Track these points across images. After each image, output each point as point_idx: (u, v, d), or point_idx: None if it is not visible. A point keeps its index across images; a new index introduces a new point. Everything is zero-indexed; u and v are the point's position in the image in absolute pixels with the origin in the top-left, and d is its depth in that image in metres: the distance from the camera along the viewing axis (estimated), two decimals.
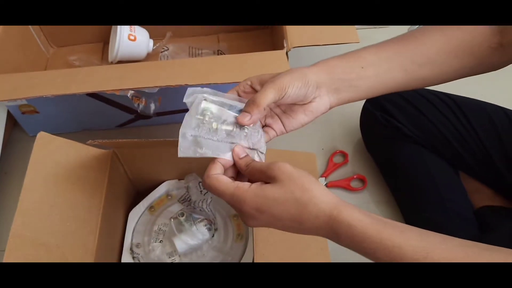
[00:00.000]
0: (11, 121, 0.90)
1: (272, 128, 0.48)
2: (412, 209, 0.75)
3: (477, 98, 0.75)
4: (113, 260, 0.67)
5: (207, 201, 0.70)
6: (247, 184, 0.40)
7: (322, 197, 0.37)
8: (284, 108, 0.49)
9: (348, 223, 0.36)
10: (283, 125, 0.49)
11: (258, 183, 0.39)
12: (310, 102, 0.48)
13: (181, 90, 0.82)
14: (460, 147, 0.71)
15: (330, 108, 0.49)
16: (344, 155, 0.88)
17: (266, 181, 0.39)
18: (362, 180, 0.85)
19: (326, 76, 0.48)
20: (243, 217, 0.41)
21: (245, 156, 0.43)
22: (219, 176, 0.41)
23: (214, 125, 0.44)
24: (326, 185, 0.85)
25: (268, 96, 0.43)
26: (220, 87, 0.71)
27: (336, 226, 0.37)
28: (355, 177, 0.85)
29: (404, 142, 0.75)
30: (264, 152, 0.46)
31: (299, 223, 0.38)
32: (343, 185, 0.84)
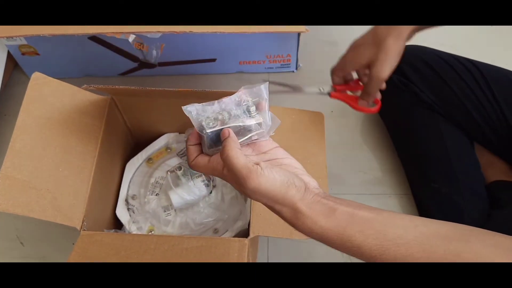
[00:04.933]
0: (12, 63, 0.87)
1: None
2: (421, 179, 0.72)
3: (504, 67, 0.70)
4: (107, 210, 0.66)
5: None
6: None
7: (274, 189, 0.36)
8: None
9: (300, 212, 0.36)
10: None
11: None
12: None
13: (185, 39, 0.79)
14: (480, 118, 0.67)
15: None
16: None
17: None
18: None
19: None
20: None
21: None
22: (196, 157, 0.41)
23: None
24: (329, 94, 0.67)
25: None
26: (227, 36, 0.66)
27: (292, 214, 0.37)
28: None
29: (420, 108, 0.71)
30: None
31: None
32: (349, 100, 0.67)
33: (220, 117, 0.40)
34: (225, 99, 0.40)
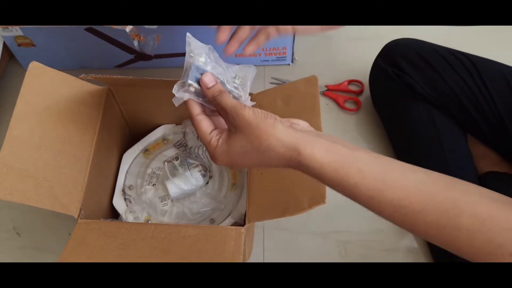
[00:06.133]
0: (8, 54, 0.87)
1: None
2: None
3: (497, 60, 0.71)
4: (104, 200, 0.66)
5: (203, 147, 0.68)
6: (215, 140, 0.41)
7: (279, 143, 0.38)
8: None
9: (306, 164, 0.37)
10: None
11: (224, 137, 0.41)
12: None
13: (181, 30, 0.79)
14: (473, 109, 0.68)
15: None
16: (360, 84, 0.88)
17: (230, 128, 0.41)
18: (356, 103, 0.86)
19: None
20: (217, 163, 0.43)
21: (213, 85, 0.43)
22: (201, 119, 0.43)
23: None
24: (323, 93, 0.87)
25: None
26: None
27: (295, 167, 0.38)
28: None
29: (415, 100, 0.72)
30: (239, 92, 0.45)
31: (267, 165, 0.40)
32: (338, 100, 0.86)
33: (212, 64, 0.43)
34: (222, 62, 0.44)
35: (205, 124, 0.43)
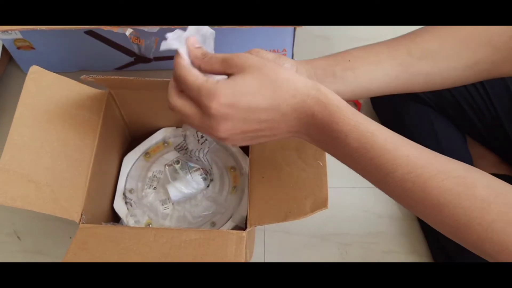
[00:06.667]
0: (6, 57, 0.87)
1: None
2: None
3: None
4: (105, 204, 0.66)
5: (204, 150, 0.68)
6: (215, 77, 0.34)
7: (299, 77, 0.34)
8: None
9: (326, 101, 0.34)
10: None
11: (225, 80, 0.34)
12: None
13: None
14: (470, 110, 0.68)
15: None
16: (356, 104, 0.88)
17: (230, 73, 0.35)
18: (355, 104, 0.84)
19: (306, 65, 0.43)
20: (212, 123, 0.34)
21: (199, 48, 0.37)
22: (188, 66, 0.36)
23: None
24: None
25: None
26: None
27: (312, 105, 0.34)
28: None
29: (413, 102, 0.72)
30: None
31: (275, 110, 0.34)
32: None
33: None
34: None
35: (195, 71, 0.35)
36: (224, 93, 0.33)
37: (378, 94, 0.45)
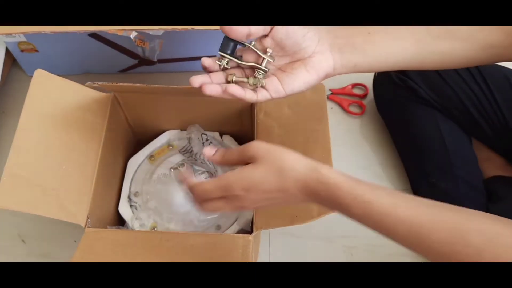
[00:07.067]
0: (10, 59, 0.87)
1: (265, 88, 0.45)
2: (419, 173, 0.73)
3: (501, 64, 0.71)
4: (110, 207, 0.66)
5: None
6: (229, 172, 0.41)
7: (299, 163, 0.39)
8: (284, 65, 0.45)
9: (326, 181, 0.38)
10: (281, 84, 0.45)
11: (239, 167, 0.41)
12: (311, 57, 0.44)
13: (185, 36, 0.79)
14: (477, 113, 0.68)
15: (335, 70, 0.46)
16: (364, 88, 0.88)
17: (246, 163, 0.41)
18: (360, 106, 0.86)
19: (327, 34, 0.45)
20: (234, 203, 0.41)
21: (216, 151, 0.44)
22: (200, 182, 0.43)
23: None
24: (327, 96, 0.87)
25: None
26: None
27: (314, 186, 0.39)
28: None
29: (418, 104, 0.72)
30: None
31: (284, 192, 0.40)
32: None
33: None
34: None
35: (204, 181, 0.43)
36: (239, 182, 0.40)
37: (393, 69, 0.47)
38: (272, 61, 0.45)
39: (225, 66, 0.45)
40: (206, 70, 0.46)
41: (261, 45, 0.45)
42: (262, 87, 0.45)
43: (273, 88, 0.45)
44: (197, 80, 0.44)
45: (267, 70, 0.45)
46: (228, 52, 0.44)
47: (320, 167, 0.39)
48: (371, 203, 0.37)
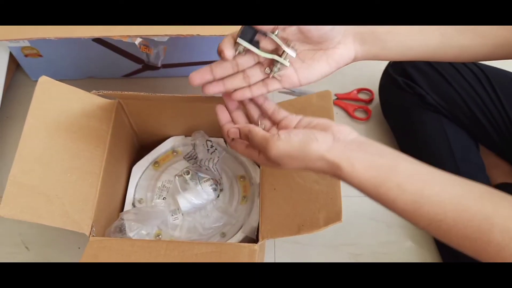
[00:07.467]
0: (14, 64, 0.87)
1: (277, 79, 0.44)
2: None
3: (508, 70, 0.70)
4: (114, 214, 0.65)
5: (213, 160, 0.67)
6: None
7: (321, 161, 0.39)
8: (303, 52, 0.44)
9: (347, 180, 0.39)
10: (297, 75, 0.44)
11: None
12: (334, 48, 0.44)
13: (189, 41, 0.78)
14: (484, 120, 0.67)
15: (355, 59, 0.46)
16: (369, 93, 0.88)
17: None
18: (366, 112, 0.86)
19: (352, 27, 0.45)
20: (270, 161, 0.42)
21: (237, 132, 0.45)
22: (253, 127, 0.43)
23: None
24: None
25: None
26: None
27: (339, 178, 0.40)
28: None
29: (425, 110, 0.71)
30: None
31: (311, 169, 0.41)
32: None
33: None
34: None
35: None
36: (276, 149, 0.40)
37: (411, 59, 0.48)
38: (293, 56, 0.43)
39: (240, 51, 0.42)
40: (220, 55, 0.43)
41: (285, 33, 0.42)
42: (274, 77, 0.44)
43: (287, 79, 0.44)
44: (196, 77, 0.43)
45: (288, 65, 0.43)
46: (248, 39, 0.42)
47: (344, 165, 0.38)
48: (395, 202, 0.37)
